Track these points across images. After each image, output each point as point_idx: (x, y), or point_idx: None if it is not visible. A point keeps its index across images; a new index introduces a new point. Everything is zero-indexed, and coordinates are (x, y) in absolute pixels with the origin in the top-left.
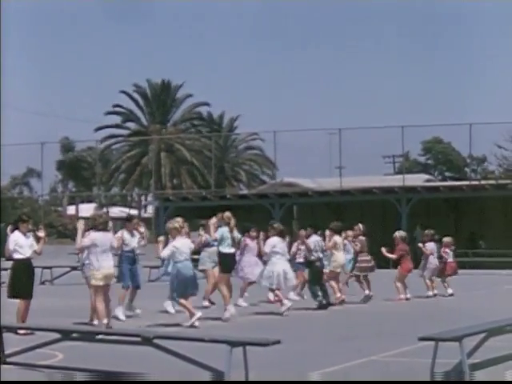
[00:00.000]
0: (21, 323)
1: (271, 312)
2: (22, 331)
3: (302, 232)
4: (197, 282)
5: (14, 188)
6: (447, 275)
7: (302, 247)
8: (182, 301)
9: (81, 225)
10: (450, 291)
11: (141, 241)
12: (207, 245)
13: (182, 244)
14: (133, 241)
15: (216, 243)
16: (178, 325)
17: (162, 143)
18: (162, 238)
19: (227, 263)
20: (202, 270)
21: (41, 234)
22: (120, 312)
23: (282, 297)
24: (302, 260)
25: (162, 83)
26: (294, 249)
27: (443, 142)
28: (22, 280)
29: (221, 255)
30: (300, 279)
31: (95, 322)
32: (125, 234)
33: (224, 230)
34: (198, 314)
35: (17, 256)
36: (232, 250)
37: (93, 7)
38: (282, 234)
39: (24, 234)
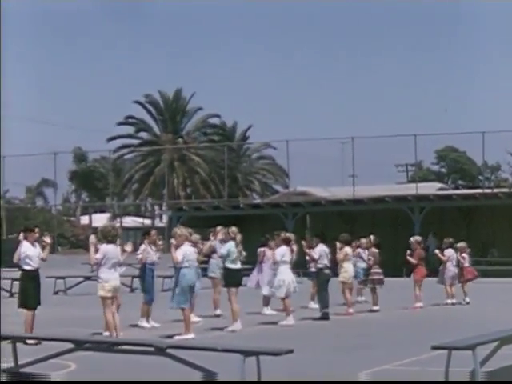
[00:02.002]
0: (29, 333)
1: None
2: (31, 341)
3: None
4: (194, 292)
5: (32, 199)
6: (467, 280)
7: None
8: (187, 311)
9: (93, 239)
10: (467, 300)
11: (157, 254)
12: (216, 251)
13: (189, 251)
14: (153, 254)
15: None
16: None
17: (174, 153)
18: (174, 241)
19: (233, 278)
20: (211, 278)
21: (47, 239)
22: (144, 322)
23: (290, 310)
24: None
25: (174, 93)
26: (308, 257)
27: (458, 150)
28: (31, 290)
29: (226, 270)
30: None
31: (105, 333)
32: (147, 247)
33: (231, 244)
34: (191, 336)
35: (26, 267)
36: (238, 266)
37: (105, 16)
38: (288, 243)
39: (32, 244)
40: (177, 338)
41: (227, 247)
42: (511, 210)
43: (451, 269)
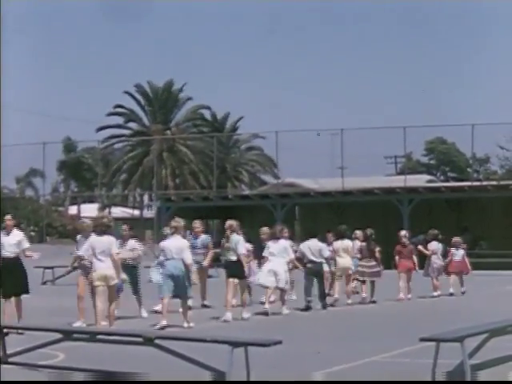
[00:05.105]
0: None
1: (272, 312)
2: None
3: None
4: (186, 285)
5: (22, 189)
6: (452, 273)
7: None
8: (166, 300)
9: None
10: (463, 289)
11: (136, 254)
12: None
13: (176, 243)
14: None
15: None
16: (178, 325)
17: (163, 143)
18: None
19: (229, 269)
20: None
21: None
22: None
23: (269, 299)
24: None
25: (165, 84)
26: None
27: (447, 142)
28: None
29: (225, 262)
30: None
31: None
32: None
33: (237, 238)
34: (163, 323)
35: None
36: (233, 258)
37: (94, 7)
38: (273, 236)
39: (7, 234)
40: (157, 326)
41: (234, 241)
42: (500, 203)
43: (436, 261)
